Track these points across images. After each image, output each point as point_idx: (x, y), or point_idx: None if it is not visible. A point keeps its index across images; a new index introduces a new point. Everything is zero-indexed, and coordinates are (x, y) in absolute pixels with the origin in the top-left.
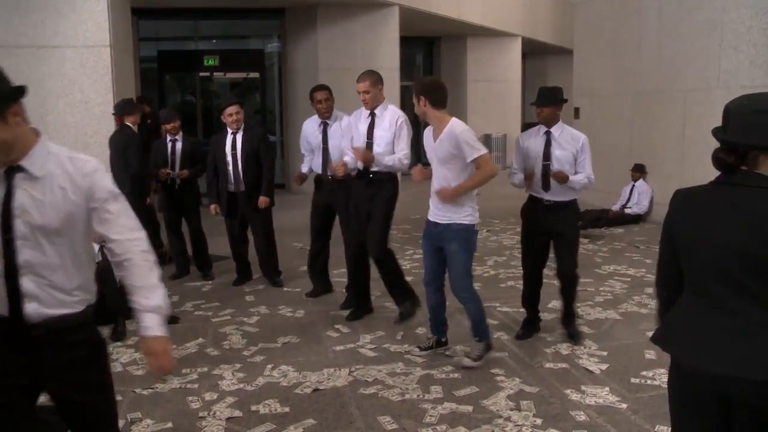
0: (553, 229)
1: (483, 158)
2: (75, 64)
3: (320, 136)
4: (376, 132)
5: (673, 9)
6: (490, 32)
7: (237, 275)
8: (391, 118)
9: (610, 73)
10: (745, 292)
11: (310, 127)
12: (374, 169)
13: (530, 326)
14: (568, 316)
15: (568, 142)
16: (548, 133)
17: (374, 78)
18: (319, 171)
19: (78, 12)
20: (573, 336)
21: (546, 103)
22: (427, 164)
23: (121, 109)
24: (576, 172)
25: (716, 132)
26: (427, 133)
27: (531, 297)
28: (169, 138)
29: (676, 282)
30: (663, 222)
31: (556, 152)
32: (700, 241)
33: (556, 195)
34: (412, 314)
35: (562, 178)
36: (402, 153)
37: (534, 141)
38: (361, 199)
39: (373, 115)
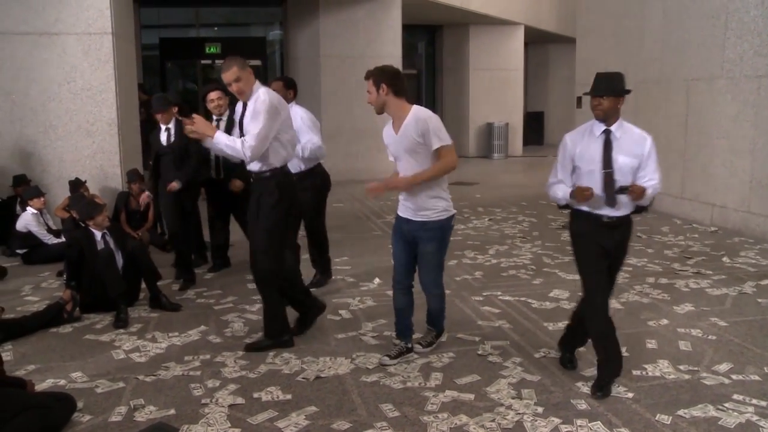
0: (611, 250)
1: (447, 149)
2: (77, 51)
3: None
4: (245, 122)
5: None
6: (493, 20)
7: (214, 263)
8: (254, 101)
9: (613, 62)
10: None
11: None
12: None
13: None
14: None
15: (632, 145)
16: (607, 132)
17: (240, 62)
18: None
19: None
20: (599, 389)
21: (606, 92)
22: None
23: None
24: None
25: None
26: (387, 129)
27: (608, 329)
28: (163, 128)
29: None
30: None
31: (619, 158)
32: None
33: (619, 209)
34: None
35: (640, 194)
36: (249, 135)
37: (588, 143)
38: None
39: (244, 105)
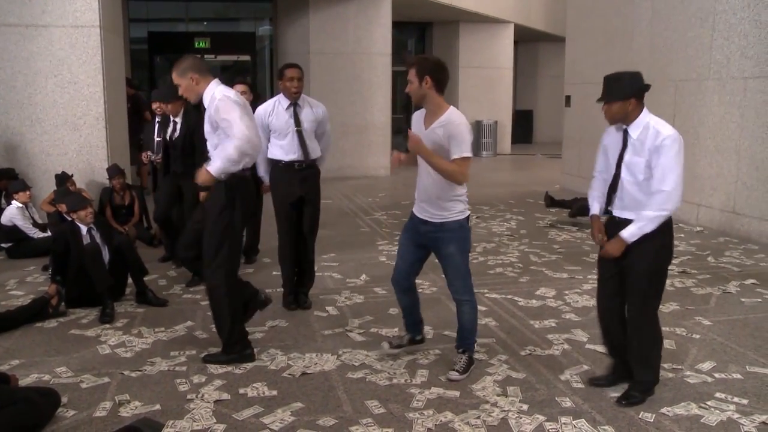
0: (622, 257)
1: (465, 162)
2: (64, 44)
3: (291, 119)
4: (206, 131)
5: None
6: (483, 18)
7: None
8: (208, 106)
9: (601, 62)
10: None
11: (273, 110)
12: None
13: (614, 374)
14: (633, 382)
15: (645, 142)
16: (624, 132)
17: (181, 68)
18: (294, 156)
19: None
20: (624, 398)
21: (607, 99)
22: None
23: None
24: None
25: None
26: (417, 119)
27: (610, 339)
28: (171, 120)
29: None
30: None
31: (626, 157)
32: None
33: (627, 210)
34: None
35: (612, 252)
36: (230, 144)
37: (616, 138)
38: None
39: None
